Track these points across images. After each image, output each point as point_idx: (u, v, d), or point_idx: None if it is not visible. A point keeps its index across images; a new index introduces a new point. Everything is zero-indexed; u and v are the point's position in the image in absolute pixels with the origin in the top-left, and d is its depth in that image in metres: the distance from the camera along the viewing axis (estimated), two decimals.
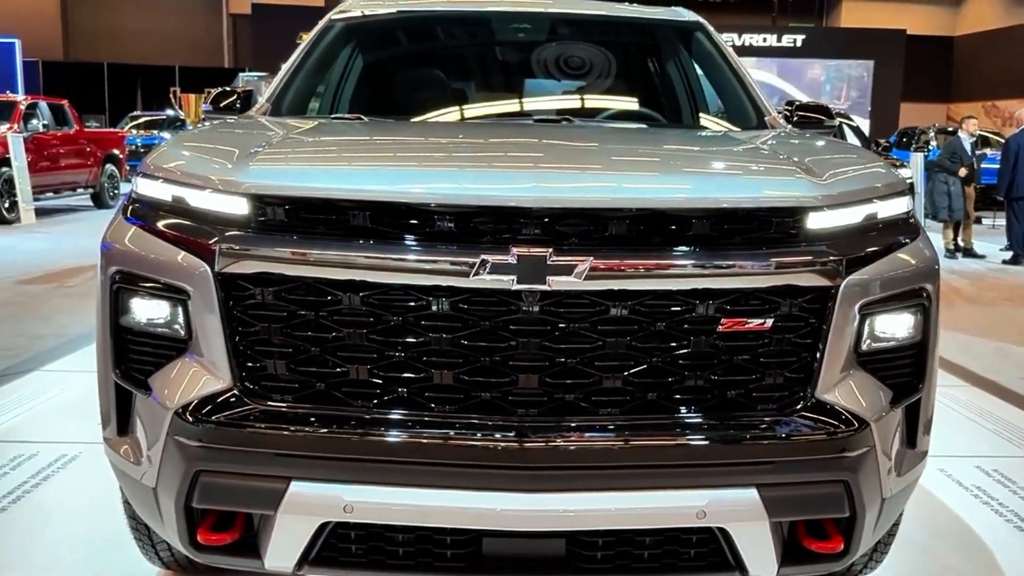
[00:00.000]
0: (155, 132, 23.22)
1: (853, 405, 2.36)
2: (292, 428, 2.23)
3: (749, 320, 2.29)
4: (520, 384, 2.25)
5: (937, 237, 13.43)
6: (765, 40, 29.75)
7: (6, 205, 14.80)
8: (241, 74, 22.06)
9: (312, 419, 2.25)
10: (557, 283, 2.18)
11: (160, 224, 2.42)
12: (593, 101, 4.38)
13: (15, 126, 15.55)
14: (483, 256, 2.17)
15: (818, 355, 2.34)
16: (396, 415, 2.26)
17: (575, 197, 2.27)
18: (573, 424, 2.24)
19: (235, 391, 2.29)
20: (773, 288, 2.30)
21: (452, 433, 2.21)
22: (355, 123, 3.49)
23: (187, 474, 2.29)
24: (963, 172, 13.41)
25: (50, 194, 16.53)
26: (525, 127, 3.40)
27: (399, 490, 2.21)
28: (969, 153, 13.73)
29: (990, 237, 15.13)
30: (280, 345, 2.29)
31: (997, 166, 13.81)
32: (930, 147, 17.82)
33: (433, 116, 3.94)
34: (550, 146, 2.84)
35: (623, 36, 4.58)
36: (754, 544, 2.29)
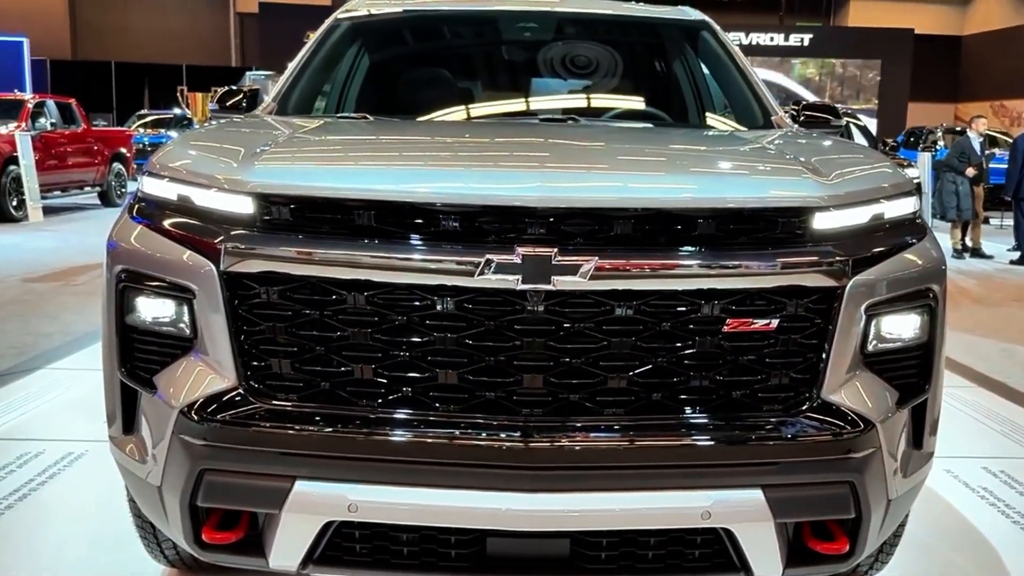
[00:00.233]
0: (162, 131, 23.25)
1: (859, 406, 2.35)
2: (297, 427, 2.23)
3: (755, 320, 2.29)
4: (525, 384, 2.24)
5: (945, 237, 13.41)
6: (772, 39, 29.72)
7: (14, 203, 14.86)
8: (248, 73, 22.07)
9: (317, 418, 2.25)
10: (562, 283, 2.17)
11: (166, 223, 2.42)
12: (599, 100, 4.37)
13: (23, 124, 15.61)
14: (488, 256, 2.17)
15: (824, 356, 2.33)
16: (401, 415, 2.26)
17: (580, 197, 2.27)
18: (578, 424, 2.24)
19: (240, 390, 2.30)
20: (779, 288, 2.29)
21: (456, 433, 2.21)
22: (361, 122, 3.49)
23: (192, 473, 2.29)
24: (971, 172, 13.37)
25: (57, 192, 16.60)
26: (531, 126, 3.39)
27: (403, 489, 2.21)
28: (978, 152, 13.70)
29: (998, 237, 15.08)
30: (285, 344, 2.29)
31: (1005, 166, 13.77)
32: (938, 147, 17.76)
33: (439, 115, 3.94)
34: (555, 146, 2.84)
35: (629, 35, 4.58)
36: (759, 545, 2.29)
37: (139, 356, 2.45)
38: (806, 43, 29.77)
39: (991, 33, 32.68)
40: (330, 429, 2.23)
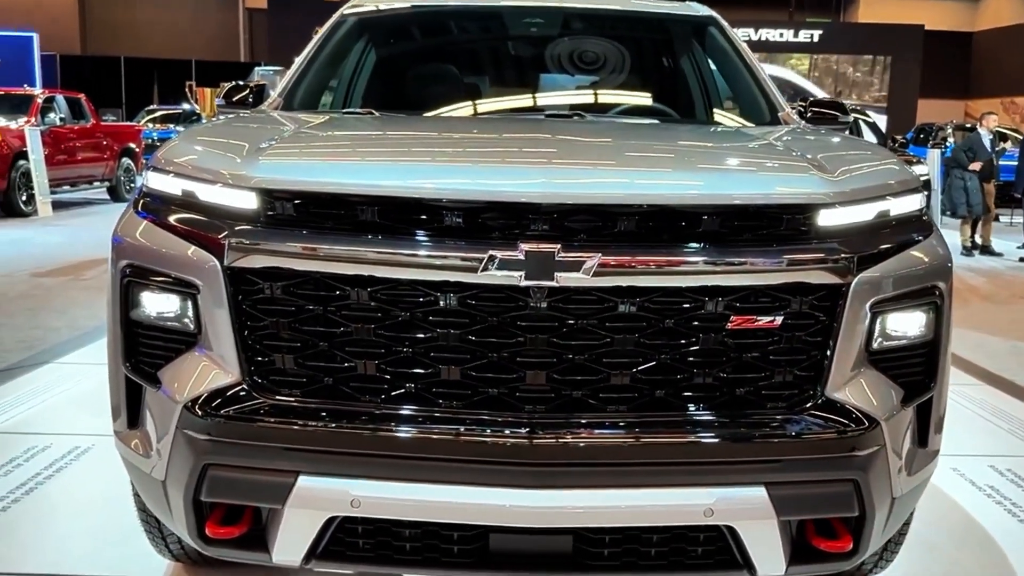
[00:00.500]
0: (171, 126, 23.31)
1: (863, 404, 2.34)
2: (300, 422, 2.24)
3: (759, 317, 2.28)
4: (528, 380, 2.24)
5: (955, 234, 13.36)
6: (782, 35, 29.61)
7: (23, 198, 14.90)
8: (256, 68, 22.08)
9: (320, 414, 2.25)
10: (565, 279, 2.17)
11: (170, 218, 2.43)
12: (605, 96, 4.36)
13: (32, 119, 15.66)
14: (491, 252, 2.16)
15: (828, 353, 2.32)
16: (404, 411, 2.26)
17: (583, 193, 2.26)
18: (581, 421, 2.23)
19: (244, 385, 2.30)
20: (783, 285, 2.28)
21: (459, 429, 2.21)
22: (366, 118, 3.49)
23: (196, 467, 2.29)
24: (975, 166, 13.31)
25: (67, 187, 16.66)
26: (536, 122, 3.38)
27: (406, 485, 2.21)
28: (988, 149, 13.63)
29: (1008, 235, 15.01)
30: (289, 340, 2.29)
31: (1015, 163, 13.71)
32: (947, 143, 17.68)
33: (445, 111, 3.94)
34: (560, 141, 2.83)
35: (636, 31, 4.56)
36: (762, 543, 2.28)
37: (143, 351, 2.45)
38: (815, 39, 29.64)
39: (1002, 29, 32.51)
40: (333, 425, 2.23)
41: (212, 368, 2.33)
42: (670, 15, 4.37)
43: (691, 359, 2.28)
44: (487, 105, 4.21)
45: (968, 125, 19.37)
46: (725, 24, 4.28)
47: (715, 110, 4.25)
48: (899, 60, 29.32)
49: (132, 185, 18.29)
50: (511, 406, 2.25)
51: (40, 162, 14.89)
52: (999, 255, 13.24)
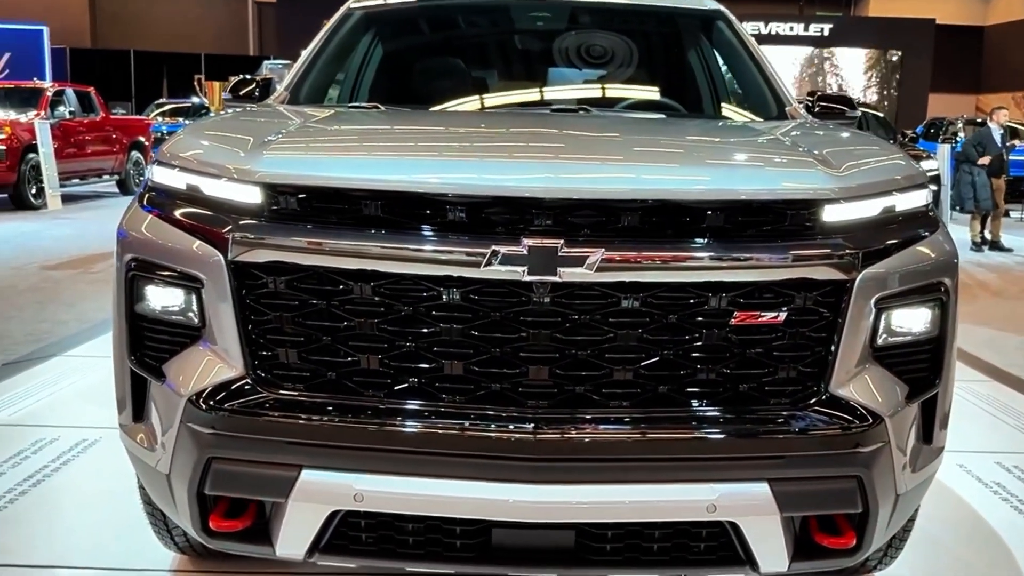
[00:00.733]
0: (180, 119, 23.32)
1: (867, 400, 2.34)
2: (303, 416, 2.24)
3: (762, 313, 2.27)
4: (531, 376, 2.24)
5: (965, 230, 13.30)
6: (792, 29, 29.51)
7: (33, 191, 14.97)
8: (265, 62, 22.10)
9: (323, 408, 2.26)
10: (568, 275, 2.17)
11: (175, 212, 2.43)
12: (612, 90, 4.35)
13: (42, 113, 15.71)
14: (494, 247, 2.16)
15: (832, 349, 2.32)
16: (407, 405, 2.26)
17: (586, 188, 2.26)
18: (584, 416, 2.23)
19: (248, 379, 2.31)
20: (787, 281, 2.27)
21: (462, 424, 2.21)
22: (371, 112, 3.49)
23: (200, 461, 2.30)
24: (983, 161, 13.24)
25: (76, 180, 16.69)
26: (541, 116, 3.38)
27: (409, 480, 2.22)
28: (998, 144, 13.55)
29: (1018, 230, 14.95)
30: (292, 334, 2.30)
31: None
32: (957, 138, 17.59)
33: (452, 105, 3.93)
34: (564, 136, 2.83)
35: (643, 25, 4.55)
36: (765, 539, 2.28)
37: (148, 345, 2.46)
38: (826, 33, 29.53)
39: (1014, 23, 32.30)
40: (336, 419, 2.23)
41: (216, 362, 2.33)
42: (677, 9, 4.35)
43: (694, 355, 2.28)
44: (493, 99, 4.20)
45: (979, 120, 19.26)
46: (733, 18, 4.26)
47: (722, 105, 4.24)
48: (910, 54, 29.18)
49: (141, 178, 18.23)
50: (514, 401, 2.25)
51: (50, 155, 14.95)
52: (1009, 251, 13.17)
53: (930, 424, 2.52)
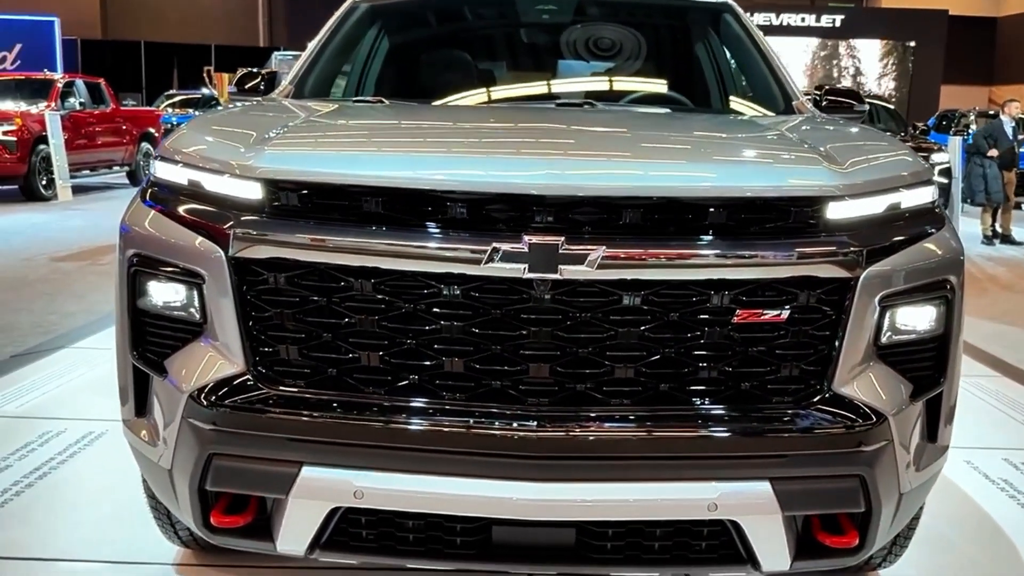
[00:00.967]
0: (190, 111, 23.33)
1: (871, 399, 2.32)
2: (304, 413, 2.24)
3: (765, 311, 2.26)
4: (531, 373, 2.23)
5: (975, 222, 13.22)
6: (804, 20, 29.32)
7: (43, 182, 15.04)
8: (275, 54, 22.09)
9: (324, 404, 2.25)
10: (569, 272, 2.16)
11: (177, 208, 2.43)
12: (618, 84, 4.33)
13: (52, 104, 15.77)
14: (495, 244, 2.15)
15: (836, 347, 2.30)
16: (407, 402, 2.25)
17: (587, 185, 2.24)
18: (584, 414, 2.22)
19: (249, 375, 2.30)
20: (791, 279, 2.26)
21: (463, 421, 2.21)
22: (376, 106, 3.48)
23: (201, 457, 2.30)
24: (993, 153, 13.15)
25: (86, 172, 16.77)
26: (545, 111, 3.36)
27: (410, 477, 2.21)
28: (1009, 137, 13.46)
29: None
30: (293, 330, 2.30)
31: None
32: (969, 131, 17.47)
33: (458, 99, 3.92)
34: (567, 131, 2.81)
35: (650, 17, 4.53)
36: (766, 538, 2.27)
37: (150, 340, 2.46)
38: (838, 24, 29.34)
39: None
40: (337, 415, 2.23)
41: (217, 358, 2.33)
42: (684, 2, 4.33)
43: (696, 353, 2.26)
44: (499, 92, 4.19)
45: (991, 112, 19.12)
46: (740, 11, 4.23)
47: (728, 99, 4.21)
48: (922, 45, 28.98)
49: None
50: (515, 399, 2.24)
51: (60, 146, 15.00)
52: (1020, 244, 13.08)
53: (935, 422, 2.50)
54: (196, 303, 2.37)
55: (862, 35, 29.46)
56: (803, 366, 2.31)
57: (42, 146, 14.89)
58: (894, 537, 2.75)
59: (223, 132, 2.71)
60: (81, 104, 16.61)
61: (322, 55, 3.93)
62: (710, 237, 2.23)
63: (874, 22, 30.21)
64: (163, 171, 2.54)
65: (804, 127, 3.13)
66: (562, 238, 2.16)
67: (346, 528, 2.33)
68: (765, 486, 2.23)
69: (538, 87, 4.34)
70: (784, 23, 28.61)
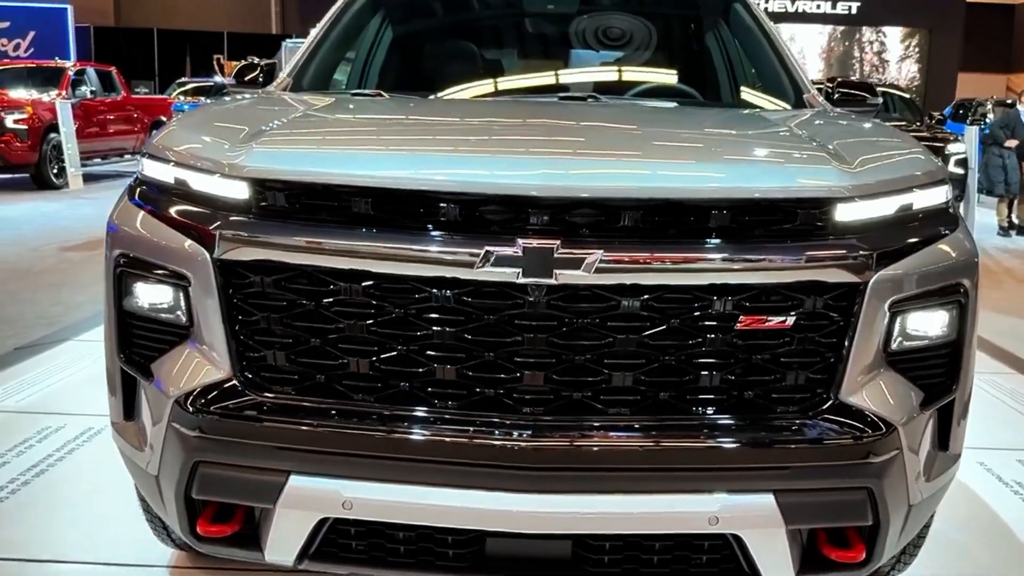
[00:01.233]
0: (202, 99, 23.32)
1: (880, 408, 2.23)
2: (291, 421, 2.17)
3: (769, 317, 2.17)
4: (526, 381, 2.15)
5: (991, 213, 13.06)
6: (819, 7, 29.05)
7: (54, 171, 15.03)
8: (285, 42, 21.98)
9: (312, 412, 2.18)
10: (564, 277, 2.07)
11: (163, 207, 2.36)
12: (626, 75, 4.25)
13: (63, 92, 15.76)
14: (487, 247, 2.07)
15: (843, 354, 2.21)
16: (398, 411, 2.17)
17: (583, 186, 2.15)
18: (581, 423, 2.14)
19: (235, 381, 2.24)
20: (797, 284, 2.17)
21: (455, 430, 2.13)
22: (373, 100, 3.40)
23: (186, 464, 2.24)
24: (1011, 143, 12.96)
25: (97, 160, 16.78)
26: (548, 106, 3.27)
27: (400, 487, 2.14)
28: None
29: None
30: (280, 335, 2.22)
31: None
32: (986, 120, 17.26)
33: (462, 90, 3.83)
34: (568, 128, 2.72)
35: (659, 6, 4.43)
36: (770, 552, 2.19)
37: (137, 343, 2.40)
38: (853, 11, 29.07)
39: None
40: (325, 423, 2.16)
41: (203, 363, 2.27)
42: None
43: (696, 361, 2.18)
44: (505, 83, 4.10)
45: (1008, 101, 18.89)
46: (751, 1, 4.13)
47: (737, 91, 4.11)
48: (939, 32, 28.69)
49: None
50: (509, 407, 2.16)
51: (71, 135, 14.99)
52: None
53: (946, 430, 2.41)
54: (182, 306, 2.30)
55: (878, 22, 29.19)
56: (809, 374, 2.22)
57: (53, 134, 14.88)
58: (903, 546, 2.67)
59: (211, 128, 2.63)
60: (92, 92, 16.60)
61: (322, 46, 3.85)
62: (712, 240, 2.14)
63: (890, 8, 29.86)
64: (150, 169, 2.47)
65: (814, 122, 3.04)
66: (557, 241, 2.07)
67: (335, 539, 2.26)
68: (768, 499, 2.15)
69: (544, 78, 4.26)
70: (800, 10, 28.35)
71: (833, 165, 2.32)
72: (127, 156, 17.78)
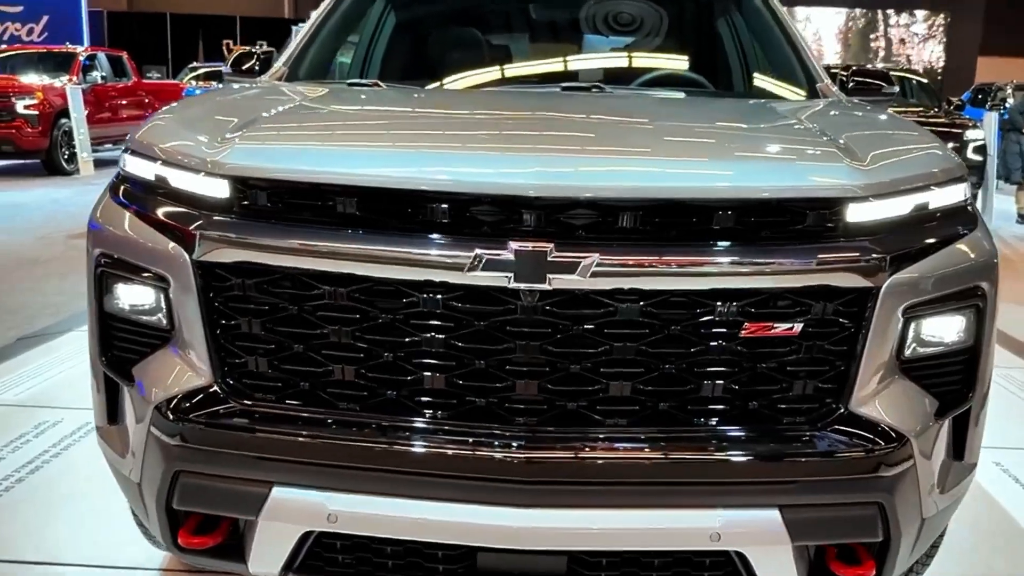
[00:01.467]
0: (214, 83, 23.24)
1: (892, 418, 2.12)
2: (274, 430, 2.08)
3: (776, 324, 2.05)
4: (519, 391, 2.05)
5: (1010, 200, 12.85)
6: None
7: (65, 156, 15.01)
8: (294, 28, 21.92)
9: (295, 421, 2.09)
10: (559, 282, 1.96)
11: (143, 205, 2.27)
12: (634, 63, 4.12)
13: (74, 78, 15.71)
14: (478, 250, 1.96)
15: (854, 362, 2.10)
16: (385, 420, 2.08)
17: (578, 185, 2.03)
18: (576, 435, 2.04)
19: (216, 388, 2.14)
20: (805, 288, 2.05)
21: (444, 441, 2.03)
22: (368, 92, 3.28)
23: (167, 474, 2.16)
24: None
25: (109, 145, 16.71)
26: (548, 97, 3.14)
27: (387, 500, 2.05)
28: None
29: None
30: (262, 340, 2.13)
31: None
32: (1006, 105, 16.97)
33: (465, 79, 3.72)
34: (567, 122, 2.59)
35: None
36: (775, 569, 2.09)
37: (117, 345, 2.32)
38: None
39: None
40: (308, 433, 2.07)
41: (184, 369, 2.17)
42: None
43: (698, 369, 2.07)
44: (510, 71, 3.97)
45: None
46: None
47: (749, 80, 3.98)
48: (958, 15, 28.30)
49: None
50: (501, 417, 2.06)
51: (82, 120, 14.95)
52: None
53: (962, 439, 2.30)
54: (163, 309, 2.21)
55: (897, 5, 28.82)
56: (817, 383, 2.11)
57: (64, 120, 14.85)
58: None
59: (194, 123, 2.51)
60: (103, 77, 16.56)
61: (320, 33, 3.73)
62: (715, 243, 2.02)
63: None
64: (131, 165, 2.37)
65: (826, 115, 2.91)
66: (551, 244, 1.96)
67: (321, 552, 2.17)
68: (774, 514, 2.04)
69: (551, 65, 4.13)
70: None
71: (845, 162, 2.20)
72: None
